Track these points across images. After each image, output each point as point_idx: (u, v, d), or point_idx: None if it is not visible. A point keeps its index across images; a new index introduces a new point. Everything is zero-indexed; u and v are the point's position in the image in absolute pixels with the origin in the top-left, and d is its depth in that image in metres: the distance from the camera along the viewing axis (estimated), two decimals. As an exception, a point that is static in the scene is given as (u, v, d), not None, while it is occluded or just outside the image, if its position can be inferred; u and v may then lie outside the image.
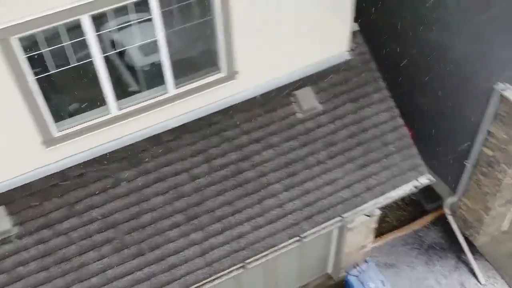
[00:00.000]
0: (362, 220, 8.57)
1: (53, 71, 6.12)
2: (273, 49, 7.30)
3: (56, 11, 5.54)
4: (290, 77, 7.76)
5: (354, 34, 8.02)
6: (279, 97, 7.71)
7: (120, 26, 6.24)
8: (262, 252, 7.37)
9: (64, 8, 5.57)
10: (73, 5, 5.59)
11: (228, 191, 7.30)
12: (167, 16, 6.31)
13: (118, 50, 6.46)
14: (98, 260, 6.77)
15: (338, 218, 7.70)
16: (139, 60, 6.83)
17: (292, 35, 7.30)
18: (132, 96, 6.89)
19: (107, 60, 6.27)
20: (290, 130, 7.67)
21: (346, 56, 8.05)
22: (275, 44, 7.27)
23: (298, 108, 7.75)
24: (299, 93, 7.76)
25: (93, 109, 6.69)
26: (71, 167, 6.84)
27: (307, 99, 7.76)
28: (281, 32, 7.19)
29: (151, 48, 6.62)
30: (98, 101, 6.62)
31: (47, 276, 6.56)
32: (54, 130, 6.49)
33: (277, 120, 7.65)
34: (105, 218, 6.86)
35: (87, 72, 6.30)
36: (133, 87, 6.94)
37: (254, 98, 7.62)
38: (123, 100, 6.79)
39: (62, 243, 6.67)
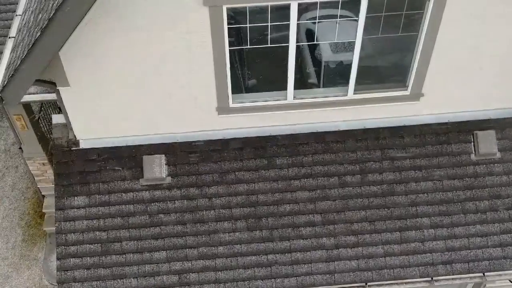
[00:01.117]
0: (504, 284, 7.86)
1: (247, 47, 6.27)
2: (466, 81, 6.80)
3: (269, -5, 5.63)
4: (475, 115, 7.20)
5: None
6: (457, 132, 7.21)
7: (321, 20, 6.17)
8: (388, 279, 7.08)
9: (277, -7, 5.63)
10: (285, -9, 5.64)
11: (372, 209, 7.07)
12: (370, 21, 6.12)
13: (311, 43, 6.42)
14: (230, 232, 6.98)
15: (479, 274, 7.13)
16: (328, 56, 6.74)
17: (492, 74, 6.73)
18: (311, 90, 6.86)
19: (297, 48, 6.28)
20: (458, 168, 7.16)
21: (547, 110, 7.27)
22: (471, 78, 6.76)
23: (474, 149, 7.19)
24: (481, 134, 7.17)
25: (271, 91, 6.78)
26: (234, 138, 7.05)
27: (487, 142, 7.16)
28: (481, 68, 6.65)
29: (343, 47, 6.50)
30: (277, 84, 6.68)
31: (182, 231, 6.92)
32: (231, 100, 6.69)
33: (447, 154, 7.18)
34: (249, 195, 7.01)
35: (276, 54, 6.36)
36: (313, 80, 6.90)
37: (430, 125, 7.21)
38: (302, 91, 6.79)
39: (204, 205, 6.96)
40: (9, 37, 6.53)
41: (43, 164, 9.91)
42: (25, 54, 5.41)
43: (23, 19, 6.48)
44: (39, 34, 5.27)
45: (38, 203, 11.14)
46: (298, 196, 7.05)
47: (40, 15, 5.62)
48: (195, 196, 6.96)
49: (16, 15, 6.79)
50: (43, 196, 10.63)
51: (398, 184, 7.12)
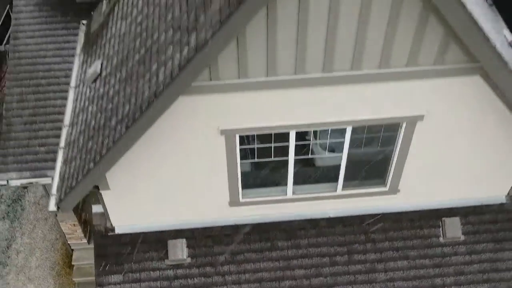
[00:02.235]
0: None
1: (256, 160, 7.73)
2: (435, 180, 8.24)
3: (273, 125, 7.09)
4: (443, 204, 8.66)
5: (516, 182, 8.64)
6: (428, 218, 8.66)
7: (316, 141, 7.65)
8: None
9: (279, 125, 7.09)
10: (286, 124, 7.09)
11: (357, 284, 8.50)
12: (355, 139, 7.58)
13: (307, 157, 7.88)
14: (239, 302, 8.43)
15: (446, 337, 8.58)
16: (321, 161, 8.19)
17: (456, 175, 8.17)
18: (307, 186, 8.31)
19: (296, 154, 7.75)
20: (429, 249, 8.61)
21: (502, 200, 8.72)
22: (439, 177, 8.20)
23: (442, 233, 8.64)
24: (448, 220, 8.63)
25: (274, 186, 8.24)
26: (243, 224, 8.50)
27: (453, 228, 8.61)
28: (447, 170, 8.10)
29: (333, 157, 7.96)
30: (279, 183, 8.14)
31: (200, 302, 8.38)
32: (241, 196, 8.15)
33: (420, 237, 8.63)
34: (255, 272, 8.46)
35: (279, 163, 7.82)
36: (309, 178, 8.34)
37: (406, 212, 8.66)
38: (299, 187, 8.25)
39: (218, 281, 8.41)
40: (60, 147, 7.95)
41: (74, 224, 11.35)
42: (79, 179, 6.86)
43: (71, 133, 7.92)
44: (92, 165, 6.73)
45: (66, 254, 12.57)
46: (296, 273, 8.48)
47: (90, 144, 7.07)
48: (210, 274, 8.41)
49: (64, 125, 8.20)
50: (72, 249, 12.07)
51: (379, 262, 8.56)
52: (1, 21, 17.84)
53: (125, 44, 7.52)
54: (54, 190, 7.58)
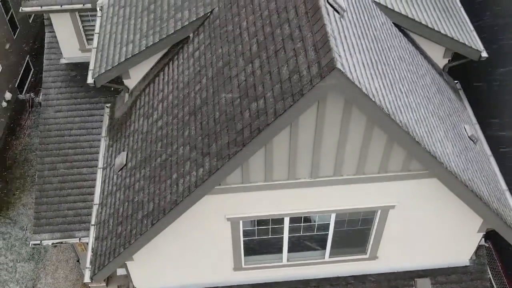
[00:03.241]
0: None
1: (257, 238, 9.27)
2: (408, 248, 9.77)
3: (270, 214, 8.63)
4: (415, 267, 10.18)
5: (479, 248, 10.16)
6: (403, 279, 10.19)
7: (305, 224, 9.18)
8: None
9: (275, 213, 8.63)
10: (282, 213, 8.63)
11: (343, 335, 10.04)
12: (339, 221, 9.11)
13: (299, 234, 9.40)
14: None
15: None
16: (312, 234, 9.71)
17: (425, 245, 9.70)
18: (299, 253, 9.83)
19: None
20: (403, 305, 10.15)
21: (466, 263, 10.25)
22: (411, 245, 9.72)
23: (415, 292, 10.18)
24: (419, 281, 10.17)
25: (272, 254, 9.76)
26: (246, 284, 10.02)
27: (424, 287, 10.14)
28: (417, 241, 9.62)
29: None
30: (276, 252, 9.67)
31: None
32: (243, 263, 9.68)
33: (396, 295, 10.17)
34: (256, 326, 9.99)
35: (275, 239, 9.35)
36: (302, 248, 9.87)
37: (384, 274, 10.18)
38: (293, 254, 9.77)
39: (225, 334, 9.93)
40: (91, 224, 9.47)
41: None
42: (111, 259, 8.39)
43: (101, 212, 9.43)
44: (122, 249, 8.25)
45: (87, 294, 14.12)
46: (290, 326, 10.03)
47: (120, 229, 8.58)
48: (218, 327, 9.95)
49: (94, 203, 9.72)
50: (92, 290, 13.61)
51: (361, 317, 10.10)
52: (22, 71, 19.38)
53: (147, 143, 9.04)
54: (88, 263, 9.10)
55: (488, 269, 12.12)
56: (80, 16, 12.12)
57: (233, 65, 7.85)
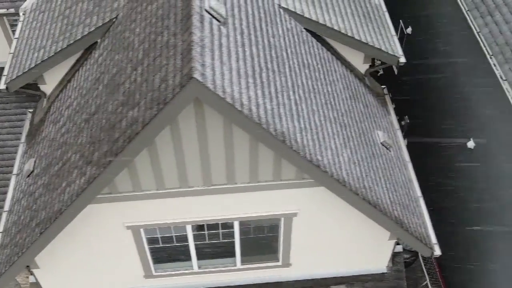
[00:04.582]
0: None
1: (171, 245, 9.18)
2: (320, 254, 9.69)
3: (170, 222, 8.55)
4: (330, 273, 10.10)
5: (396, 255, 10.09)
6: (318, 286, 10.11)
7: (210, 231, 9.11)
8: None
9: (175, 221, 8.56)
10: (182, 220, 8.56)
11: None
12: (244, 228, 9.04)
13: (204, 242, 9.32)
14: None
15: None
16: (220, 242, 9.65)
17: (337, 251, 9.62)
18: (210, 260, 9.75)
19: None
20: (318, 313, 10.07)
21: (383, 270, 10.17)
22: (322, 252, 9.65)
23: (330, 299, 10.10)
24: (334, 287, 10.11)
25: (182, 261, 9.68)
26: (158, 292, 9.97)
27: (340, 294, 10.08)
28: (327, 248, 9.54)
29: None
30: (186, 259, 9.59)
31: None
32: (153, 270, 9.60)
33: (311, 302, 10.09)
34: (169, 334, 9.91)
35: (182, 245, 9.28)
36: (213, 255, 9.80)
37: (299, 281, 10.11)
38: (204, 262, 9.69)
39: None
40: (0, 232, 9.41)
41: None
42: (6, 268, 8.31)
43: (8, 220, 9.33)
44: (16, 258, 8.17)
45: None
46: (204, 334, 9.96)
47: (18, 238, 8.51)
48: (130, 335, 9.86)
49: (4, 210, 9.63)
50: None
51: (275, 324, 10.02)
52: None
53: (51, 150, 8.97)
54: (-8, 271, 9.03)
55: (421, 271, 12.03)
56: (7, 20, 12.04)
57: (123, 72, 7.78)
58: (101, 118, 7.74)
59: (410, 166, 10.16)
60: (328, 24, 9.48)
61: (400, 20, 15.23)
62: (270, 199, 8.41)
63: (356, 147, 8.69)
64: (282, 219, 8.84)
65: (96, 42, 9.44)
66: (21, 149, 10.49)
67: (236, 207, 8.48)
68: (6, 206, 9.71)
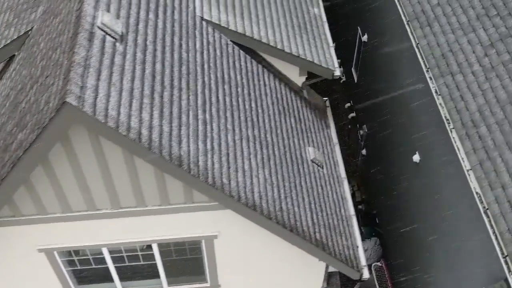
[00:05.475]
0: None
1: (91, 267, 8.82)
2: (251, 275, 9.33)
3: (84, 245, 8.18)
4: (262, 296, 9.77)
5: (332, 275, 9.73)
6: (249, 307, 9.77)
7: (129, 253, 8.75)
8: None
9: (90, 244, 8.19)
10: (96, 243, 8.19)
11: None
12: (166, 251, 8.68)
13: (124, 264, 8.97)
14: None
15: None
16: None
17: (268, 273, 9.26)
18: (134, 282, 9.39)
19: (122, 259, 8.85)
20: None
21: (318, 291, 9.83)
22: (251, 275, 9.29)
23: (262, 321, 9.74)
24: (266, 308, 9.73)
25: (106, 283, 9.32)
26: (83, 315, 9.61)
27: (272, 316, 9.71)
28: (258, 267, 9.19)
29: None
30: (109, 281, 9.23)
31: None
32: (76, 292, 9.26)
33: (243, 324, 9.74)
34: None
35: (102, 267, 8.94)
36: (138, 275, 9.44)
37: (231, 302, 9.77)
38: (128, 283, 9.33)
39: None
40: None
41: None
42: None
43: None
44: None
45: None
46: None
47: None
48: None
49: None
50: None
51: None
52: None
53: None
54: None
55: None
56: None
57: (23, 90, 7.41)
58: (0, 138, 7.37)
59: (345, 183, 9.80)
60: (256, 37, 9.11)
61: (358, 27, 14.89)
62: (186, 222, 8.04)
63: (278, 167, 8.33)
64: (203, 241, 8.48)
65: (14, 55, 9.07)
66: None
67: (152, 229, 8.12)
68: None
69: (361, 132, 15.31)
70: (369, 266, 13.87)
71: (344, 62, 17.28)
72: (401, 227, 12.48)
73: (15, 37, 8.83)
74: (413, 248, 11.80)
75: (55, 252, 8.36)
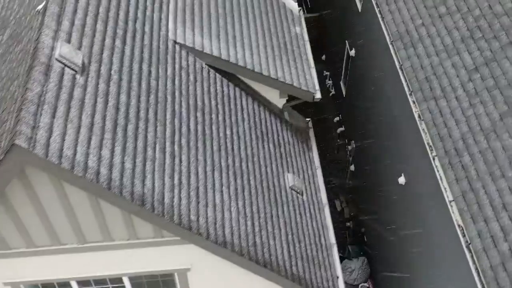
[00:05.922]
0: None
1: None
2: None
3: (50, 278, 7.86)
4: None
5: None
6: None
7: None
8: None
9: (58, 277, 7.86)
10: (64, 277, 7.86)
11: None
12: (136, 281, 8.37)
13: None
14: None
15: None
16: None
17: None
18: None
19: None
20: None
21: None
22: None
23: None
24: None
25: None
26: None
27: None
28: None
29: None
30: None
31: None
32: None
33: None
34: None
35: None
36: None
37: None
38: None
39: None
40: None
41: None
42: None
43: None
44: None
45: None
46: None
47: None
48: None
49: None
50: None
51: None
52: None
53: None
54: None
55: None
56: None
57: (-16, 121, 7.08)
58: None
59: (326, 210, 9.48)
60: (232, 60, 8.78)
61: (346, 41, 14.57)
62: (157, 255, 7.70)
63: (253, 197, 8.00)
64: (176, 274, 8.16)
65: (-19, 79, 8.75)
66: None
67: (122, 263, 7.79)
68: None
69: (349, 147, 14.99)
70: (356, 287, 13.56)
71: (334, 74, 17.01)
72: (388, 248, 12.17)
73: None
74: (401, 269, 11.49)
75: (21, 286, 8.04)
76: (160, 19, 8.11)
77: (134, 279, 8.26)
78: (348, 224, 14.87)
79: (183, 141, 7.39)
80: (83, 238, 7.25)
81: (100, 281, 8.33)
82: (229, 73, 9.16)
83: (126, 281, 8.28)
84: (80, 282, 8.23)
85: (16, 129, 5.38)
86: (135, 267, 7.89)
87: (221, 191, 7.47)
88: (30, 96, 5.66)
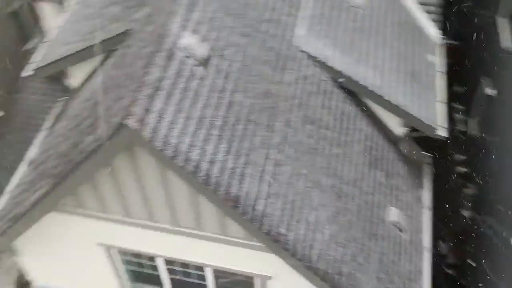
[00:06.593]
0: None
1: (138, 270, 8.75)
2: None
3: (141, 250, 8.06)
4: None
5: None
6: None
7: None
8: None
9: (146, 251, 8.05)
10: (151, 252, 8.03)
11: None
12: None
13: (177, 277, 8.75)
14: None
15: None
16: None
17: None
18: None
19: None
20: None
21: None
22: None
23: None
24: None
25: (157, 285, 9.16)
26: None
27: None
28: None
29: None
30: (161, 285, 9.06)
31: None
32: (129, 290, 9.23)
33: None
34: None
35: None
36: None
37: None
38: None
39: None
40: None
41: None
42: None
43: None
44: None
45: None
46: None
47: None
48: None
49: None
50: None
51: None
52: None
53: (46, 147, 8.77)
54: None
55: None
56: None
57: (106, 91, 7.33)
58: (68, 136, 7.40)
59: (427, 255, 8.78)
60: (354, 77, 8.38)
61: (482, 78, 13.47)
62: (244, 256, 7.58)
63: (352, 224, 7.60)
64: (257, 279, 7.99)
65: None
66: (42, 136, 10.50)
67: (208, 254, 7.79)
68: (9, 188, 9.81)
69: (468, 190, 13.91)
70: None
71: (465, 110, 15.87)
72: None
73: (120, 31, 8.84)
74: None
75: (111, 250, 8.34)
76: (287, 23, 7.95)
77: (217, 271, 8.22)
78: (448, 271, 13.83)
79: (290, 151, 7.18)
80: (177, 222, 7.32)
81: (184, 265, 8.38)
82: (350, 90, 8.79)
83: (208, 272, 8.26)
84: (166, 261, 8.36)
85: (130, 109, 5.50)
86: (219, 261, 7.84)
87: (317, 210, 7.16)
88: (149, 80, 5.76)
